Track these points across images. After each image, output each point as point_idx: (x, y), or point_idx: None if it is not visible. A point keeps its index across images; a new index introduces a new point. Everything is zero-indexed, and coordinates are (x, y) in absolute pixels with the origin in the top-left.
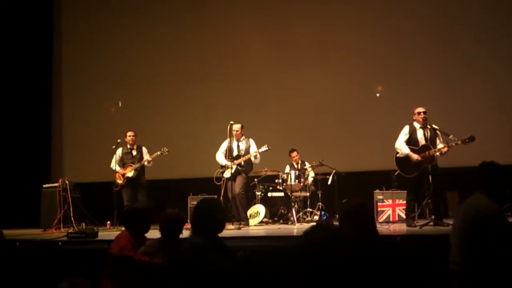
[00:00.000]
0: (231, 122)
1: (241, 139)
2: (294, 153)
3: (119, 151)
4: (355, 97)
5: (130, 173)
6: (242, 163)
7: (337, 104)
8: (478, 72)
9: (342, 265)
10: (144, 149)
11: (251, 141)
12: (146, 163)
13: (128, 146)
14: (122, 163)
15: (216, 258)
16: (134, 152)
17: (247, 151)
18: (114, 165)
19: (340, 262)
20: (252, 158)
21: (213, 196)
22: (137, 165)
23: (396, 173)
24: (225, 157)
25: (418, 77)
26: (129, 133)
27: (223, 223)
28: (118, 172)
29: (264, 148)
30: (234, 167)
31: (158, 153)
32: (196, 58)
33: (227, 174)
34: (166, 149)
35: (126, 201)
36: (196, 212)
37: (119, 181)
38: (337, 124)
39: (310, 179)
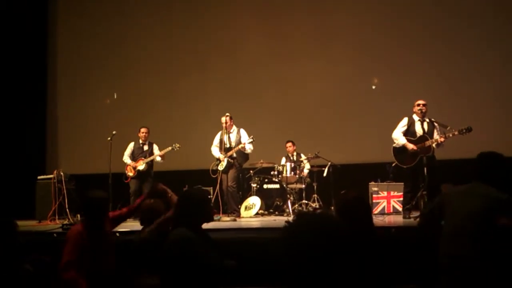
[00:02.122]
0: (227, 114)
1: (232, 130)
2: (288, 144)
3: (131, 145)
4: (351, 89)
5: (141, 166)
6: (234, 154)
7: (334, 96)
8: (476, 64)
9: (328, 253)
10: (155, 146)
11: (242, 132)
12: (158, 158)
13: (140, 141)
14: (133, 157)
15: (205, 251)
16: (145, 147)
17: (238, 142)
18: (126, 157)
19: (326, 249)
20: (243, 149)
21: (199, 186)
22: (149, 159)
23: (393, 164)
24: (220, 149)
25: (416, 69)
26: (142, 130)
27: (211, 215)
28: (129, 164)
29: (249, 140)
30: (226, 159)
31: (169, 148)
32: (192, 49)
33: (220, 167)
34: (178, 145)
35: (132, 192)
36: (181, 202)
37: (130, 174)
38: (334, 116)
39: (305, 171)
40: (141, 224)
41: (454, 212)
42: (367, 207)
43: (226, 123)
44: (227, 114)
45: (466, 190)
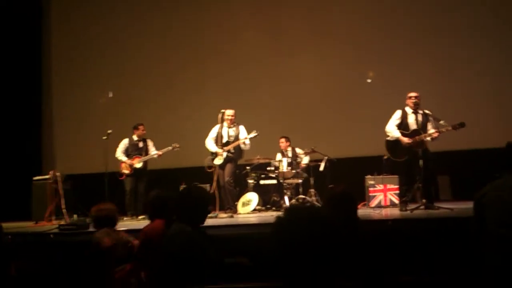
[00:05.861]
0: (222, 110)
1: (232, 125)
2: (281, 140)
3: (126, 141)
4: (346, 83)
5: (138, 164)
6: (232, 149)
7: (329, 90)
8: (471, 58)
9: (318, 246)
10: (150, 142)
11: (241, 127)
12: (156, 157)
13: (135, 138)
14: (127, 154)
15: (205, 246)
16: (141, 144)
17: (237, 137)
18: (120, 154)
19: (316, 243)
20: (242, 145)
21: (198, 184)
22: (147, 157)
23: (385, 157)
24: (216, 143)
25: (411, 62)
26: (141, 127)
27: (205, 216)
28: (125, 162)
29: (253, 134)
30: (225, 154)
31: (170, 148)
32: (187, 46)
33: (217, 161)
34: (177, 145)
35: (128, 190)
36: (182, 199)
37: (126, 171)
38: (329, 111)
39: (304, 163)
40: (96, 227)
41: (495, 209)
42: (353, 202)
43: (232, 116)
44: (224, 110)
45: (501, 185)
